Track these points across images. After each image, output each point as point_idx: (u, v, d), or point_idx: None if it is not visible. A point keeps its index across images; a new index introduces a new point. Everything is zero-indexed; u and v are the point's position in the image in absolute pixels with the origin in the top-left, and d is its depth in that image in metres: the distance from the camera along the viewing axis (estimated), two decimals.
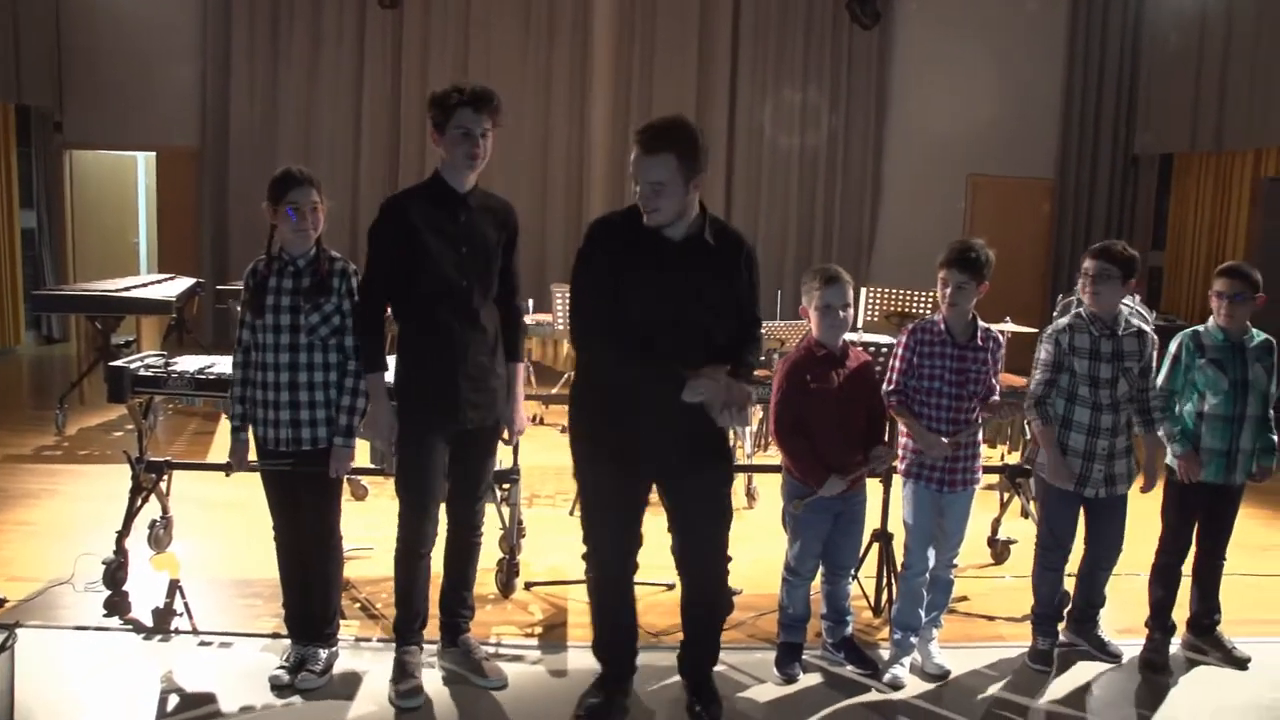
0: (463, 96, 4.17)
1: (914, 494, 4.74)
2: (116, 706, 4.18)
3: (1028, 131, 13.90)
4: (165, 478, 5.68)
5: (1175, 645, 5.04)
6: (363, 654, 4.69)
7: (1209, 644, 5.07)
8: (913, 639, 4.83)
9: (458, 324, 4.24)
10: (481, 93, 4.19)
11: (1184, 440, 4.84)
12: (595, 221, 4.16)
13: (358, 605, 5.22)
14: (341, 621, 4.68)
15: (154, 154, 13.84)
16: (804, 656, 4.78)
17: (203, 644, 4.76)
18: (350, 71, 13.20)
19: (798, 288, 4.78)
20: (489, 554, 5.34)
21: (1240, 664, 4.93)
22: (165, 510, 5.81)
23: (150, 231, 14.94)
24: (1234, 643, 5.02)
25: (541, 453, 7.78)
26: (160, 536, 5.80)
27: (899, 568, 4.91)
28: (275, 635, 4.76)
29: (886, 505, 5.30)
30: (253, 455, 4.41)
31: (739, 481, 7.40)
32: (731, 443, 7.38)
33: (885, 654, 4.85)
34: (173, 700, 4.24)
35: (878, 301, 8.91)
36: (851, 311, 4.58)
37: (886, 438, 4.78)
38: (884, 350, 5.59)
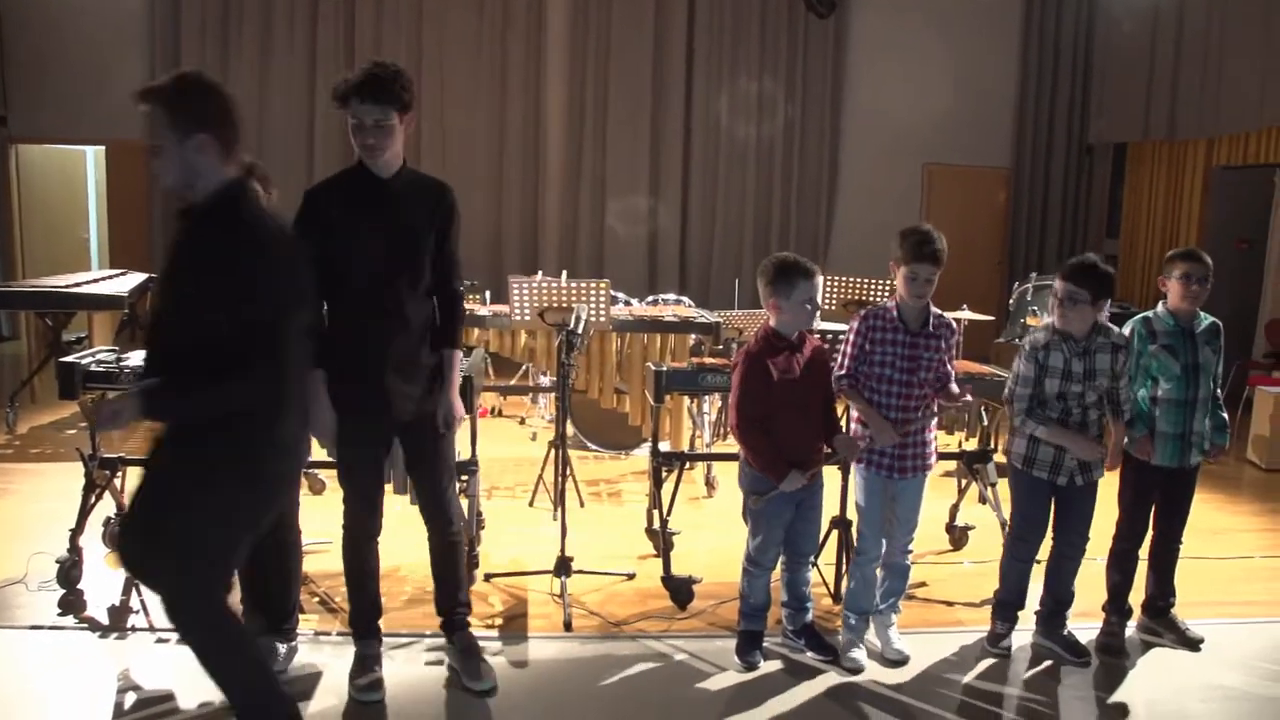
0: (348, 85, 4.02)
1: (865, 481, 4.76)
2: (74, 705, 4.13)
3: (983, 121, 14.00)
4: (119, 474, 5.61)
5: (1130, 628, 5.09)
6: (322, 648, 4.67)
7: (1163, 626, 5.13)
8: (867, 622, 4.86)
9: (381, 314, 4.10)
10: (368, 79, 3.98)
11: (1139, 424, 4.88)
12: None
13: (316, 599, 5.19)
14: (300, 616, 4.64)
15: (103, 148, 13.66)
16: (764, 644, 4.78)
17: (160, 641, 4.71)
18: (302, 63, 13.08)
19: (755, 277, 4.78)
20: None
21: (1193, 645, 4.98)
22: (120, 507, 5.74)
23: (101, 227, 14.75)
24: (1187, 624, 5.08)
25: (500, 444, 7.78)
26: (115, 534, 5.74)
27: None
28: None
29: (845, 492, 5.32)
30: None
31: (699, 470, 7.42)
32: (691, 432, 7.43)
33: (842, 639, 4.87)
34: (130, 698, 4.19)
35: (835, 290, 8.92)
36: (819, 303, 4.63)
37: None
38: (841, 337, 5.60)
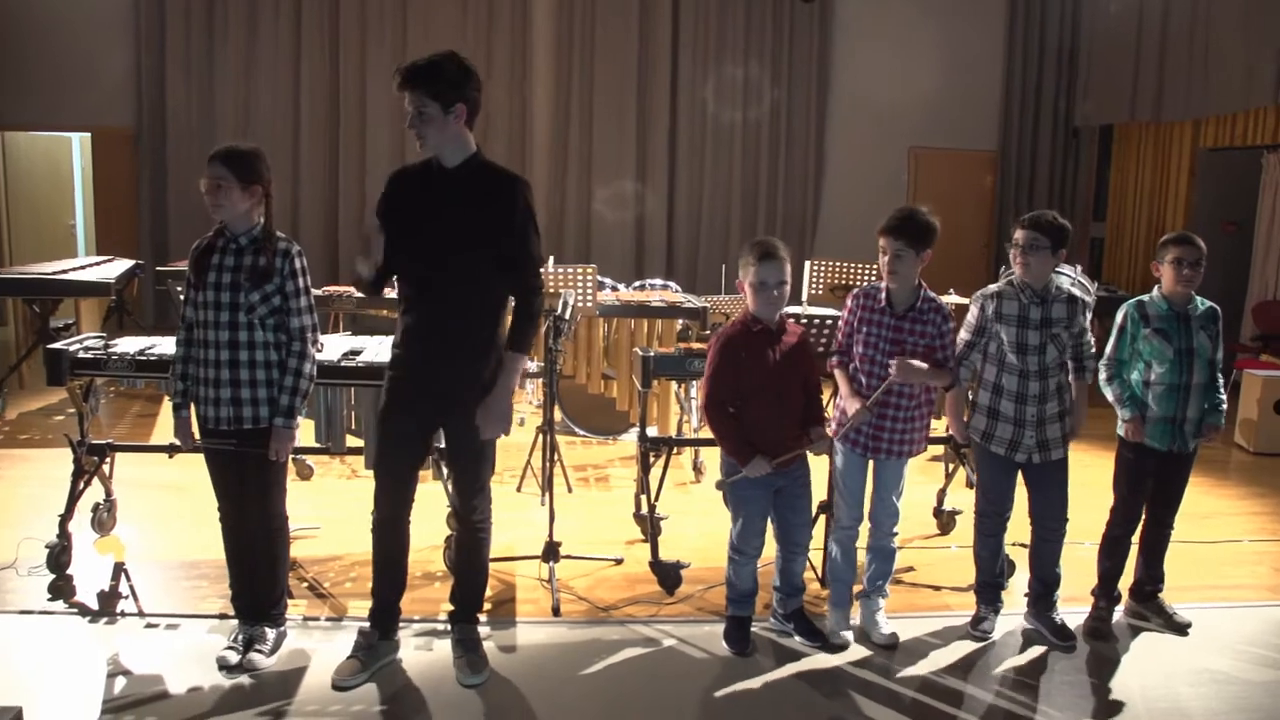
0: (396, 77, 4.07)
1: (842, 456, 4.79)
2: (63, 690, 4.13)
3: (969, 104, 14.00)
4: (108, 460, 5.63)
5: (1117, 613, 5.11)
6: (311, 633, 4.68)
7: (1151, 610, 5.15)
8: (849, 593, 4.89)
9: (430, 300, 4.14)
10: (405, 68, 4.06)
11: (1132, 405, 4.89)
12: None
13: (305, 585, 5.20)
14: (289, 601, 4.65)
15: (89, 135, 13.61)
16: (752, 628, 4.79)
17: (149, 626, 4.72)
18: (288, 51, 13.04)
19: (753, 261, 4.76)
20: (437, 531, 5.34)
21: (1181, 630, 5.01)
22: (109, 493, 5.76)
23: (87, 213, 14.71)
24: (1175, 609, 5.10)
25: None
26: (104, 519, 5.75)
27: None
28: (222, 616, 4.74)
29: (832, 478, 5.33)
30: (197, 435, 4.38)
31: (685, 455, 7.44)
32: (678, 417, 7.44)
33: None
34: (120, 683, 4.20)
35: (822, 274, 8.94)
36: (788, 287, 4.52)
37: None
38: (829, 323, 5.62)
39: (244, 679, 4.23)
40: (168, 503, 6.28)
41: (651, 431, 6.12)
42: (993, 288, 4.79)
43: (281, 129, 13.04)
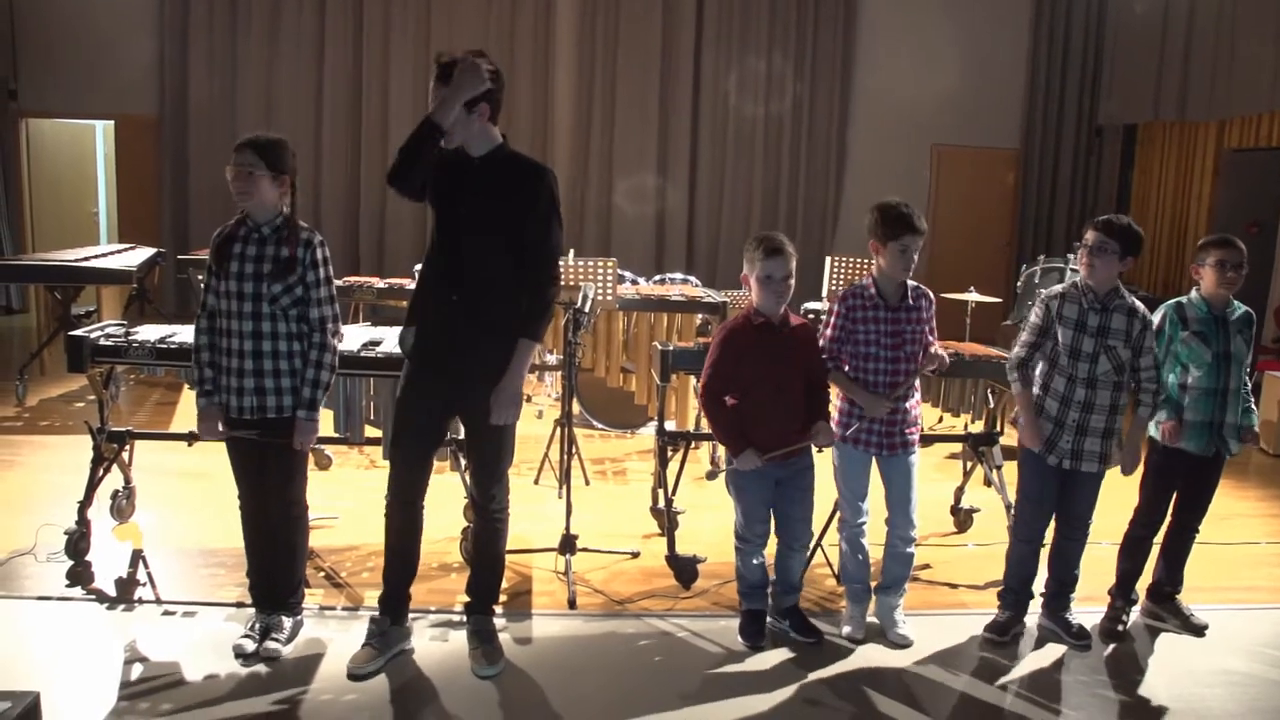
0: (433, 68, 4.15)
1: (844, 453, 4.76)
2: (81, 676, 4.15)
3: (992, 101, 13.95)
4: (127, 448, 5.65)
5: (1134, 613, 5.09)
6: (327, 622, 4.68)
7: (1168, 611, 5.12)
8: (867, 592, 4.87)
9: (450, 287, 4.16)
10: (440, 65, 4.13)
11: (1168, 408, 4.84)
12: None
13: (322, 574, 5.21)
14: (306, 590, 4.66)
15: (112, 123, 13.67)
16: (767, 623, 4.79)
17: (166, 613, 4.74)
18: (311, 39, 13.08)
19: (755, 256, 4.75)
20: (454, 523, 5.36)
21: (1198, 631, 4.98)
22: (127, 480, 5.78)
23: (110, 201, 14.77)
24: (1192, 610, 5.08)
25: None
26: (123, 506, 5.77)
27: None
28: (239, 604, 4.75)
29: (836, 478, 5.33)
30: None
31: (703, 449, 7.43)
32: (696, 411, 7.43)
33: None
34: (136, 669, 4.21)
35: (843, 270, 8.92)
36: (792, 282, 4.53)
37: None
38: None
39: (260, 667, 4.24)
40: (186, 490, 6.30)
41: (669, 426, 6.13)
42: (1058, 288, 4.75)
43: (304, 117, 13.09)
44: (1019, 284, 10.94)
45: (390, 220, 13.27)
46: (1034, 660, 4.67)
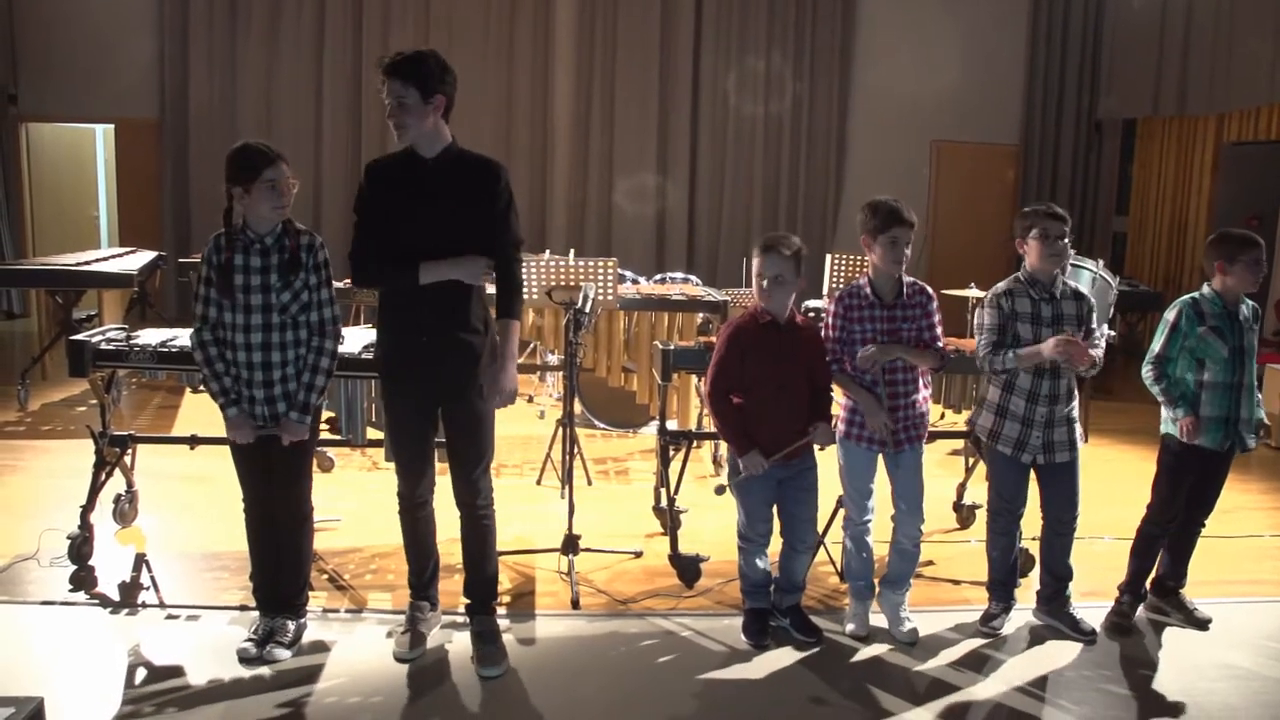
0: (379, 63, 4.18)
1: (849, 452, 4.75)
2: (84, 681, 4.15)
3: (992, 97, 13.96)
4: (129, 452, 5.65)
5: (1139, 608, 5.09)
6: (331, 625, 4.69)
7: (1172, 606, 5.12)
8: (870, 590, 4.87)
9: (410, 290, 4.16)
10: (391, 58, 4.16)
11: (1185, 404, 4.81)
12: None
13: (325, 576, 5.21)
14: (310, 593, 4.66)
15: (112, 126, 13.69)
16: (771, 622, 4.79)
17: (170, 617, 4.74)
18: (311, 41, 13.10)
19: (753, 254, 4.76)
20: (456, 523, 5.35)
21: (1202, 625, 4.98)
22: (130, 484, 5.79)
23: (110, 205, 14.78)
24: (1196, 604, 5.08)
25: (508, 422, 7.77)
26: (125, 511, 5.78)
27: None
28: (243, 607, 4.75)
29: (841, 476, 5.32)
30: (218, 429, 4.39)
31: (705, 448, 7.43)
32: (698, 410, 7.43)
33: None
34: (140, 673, 4.21)
35: (843, 268, 8.91)
36: (792, 284, 4.50)
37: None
38: None
39: (264, 670, 4.24)
40: (189, 494, 6.31)
41: (671, 425, 6.13)
42: (1001, 286, 4.78)
43: (304, 119, 13.12)
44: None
45: None
46: (1037, 655, 4.66)
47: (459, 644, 4.51)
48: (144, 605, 4.85)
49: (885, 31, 13.76)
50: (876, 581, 4.91)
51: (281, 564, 4.46)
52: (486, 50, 13.14)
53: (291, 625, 4.44)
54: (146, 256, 10.21)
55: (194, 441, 5.50)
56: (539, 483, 6.81)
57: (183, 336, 5.42)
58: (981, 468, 6.11)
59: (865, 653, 4.63)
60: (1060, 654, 4.69)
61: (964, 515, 6.26)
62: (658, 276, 9.64)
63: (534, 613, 4.92)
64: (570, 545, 5.25)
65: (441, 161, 4.19)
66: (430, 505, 4.49)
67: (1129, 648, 4.78)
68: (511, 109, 13.33)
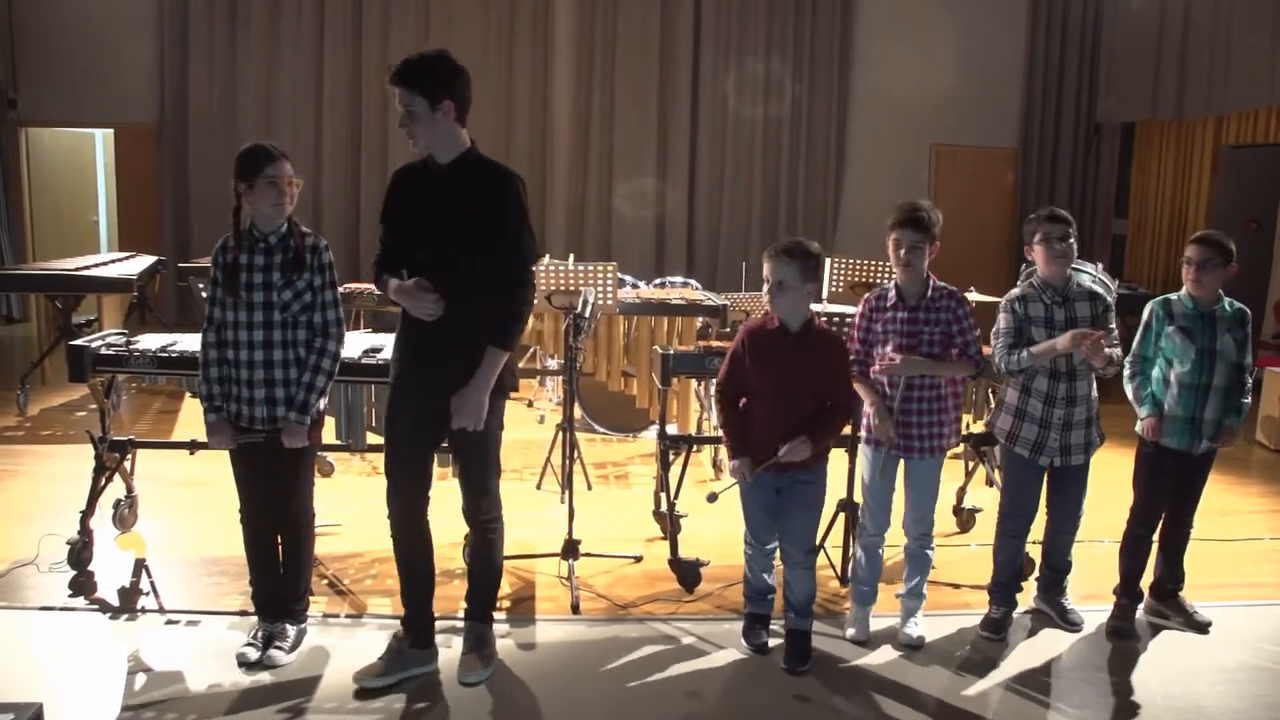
0: (387, 72, 4.10)
1: (868, 462, 4.76)
2: (84, 686, 4.16)
3: (991, 101, 13.95)
4: (129, 457, 5.65)
5: (1137, 611, 5.09)
6: (330, 630, 4.69)
7: (1171, 609, 5.12)
8: (873, 595, 4.87)
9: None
10: (398, 64, 4.05)
11: (1151, 404, 4.87)
12: None
13: (325, 582, 5.21)
14: (310, 598, 4.66)
15: (112, 131, 13.68)
16: (771, 626, 4.78)
17: (170, 622, 4.74)
18: (310, 45, 13.09)
19: (764, 259, 4.72)
20: (458, 529, 5.35)
21: (1202, 628, 4.99)
22: (130, 489, 5.79)
23: (110, 209, 14.77)
24: (1195, 607, 5.08)
25: (507, 427, 7.77)
26: (125, 516, 5.78)
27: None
28: (243, 613, 4.75)
29: (851, 475, 5.32)
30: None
31: (705, 453, 7.43)
32: (698, 415, 7.42)
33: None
34: (140, 679, 4.22)
35: (842, 272, 8.90)
36: (794, 291, 4.33)
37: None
38: (848, 320, 5.58)
39: (264, 676, 4.24)
40: (189, 499, 6.30)
41: (671, 429, 6.12)
42: (1015, 291, 4.79)
43: (304, 122, 13.11)
44: (1020, 282, 10.91)
45: None
46: (1037, 659, 4.67)
47: (459, 649, 4.49)
48: (144, 610, 4.85)
49: (884, 35, 13.75)
50: (879, 586, 4.92)
51: (285, 568, 4.47)
52: (486, 54, 13.12)
53: (292, 630, 4.44)
54: (146, 261, 10.18)
55: (194, 446, 5.49)
56: (539, 487, 6.81)
57: (182, 341, 5.42)
58: (981, 473, 6.14)
59: (866, 658, 4.64)
60: (1061, 657, 4.71)
61: (964, 519, 6.26)
62: (657, 280, 9.64)
63: (534, 618, 4.92)
64: (570, 550, 5.25)
65: (452, 169, 4.13)
66: (425, 522, 4.35)
67: (1129, 651, 4.79)
68: (511, 112, 13.33)
